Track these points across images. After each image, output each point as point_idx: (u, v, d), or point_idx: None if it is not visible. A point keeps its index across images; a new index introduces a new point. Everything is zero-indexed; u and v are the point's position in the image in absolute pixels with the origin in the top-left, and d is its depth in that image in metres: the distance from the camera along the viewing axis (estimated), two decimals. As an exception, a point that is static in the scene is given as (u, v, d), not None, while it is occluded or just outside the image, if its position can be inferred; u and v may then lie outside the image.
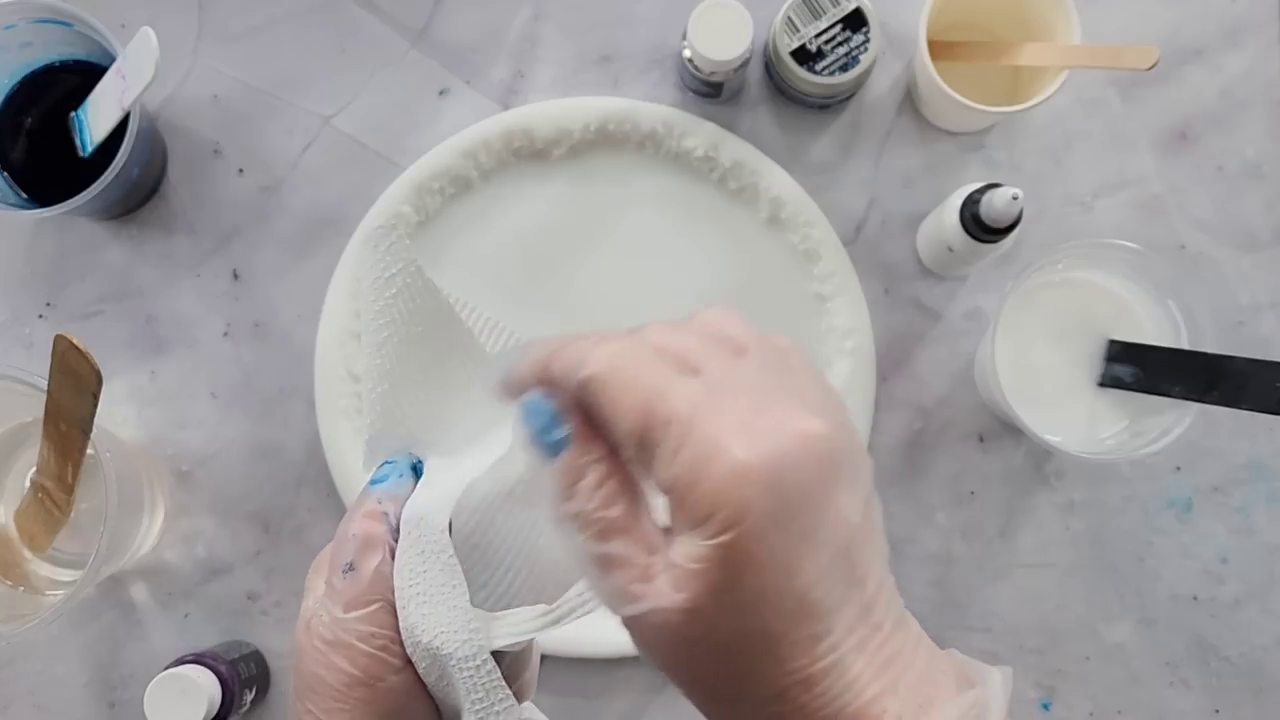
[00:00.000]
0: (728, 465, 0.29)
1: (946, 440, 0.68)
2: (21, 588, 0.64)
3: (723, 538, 0.29)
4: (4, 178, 0.65)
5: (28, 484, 0.64)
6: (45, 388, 0.53)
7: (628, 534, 0.31)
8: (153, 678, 0.59)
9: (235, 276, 0.69)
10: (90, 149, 0.62)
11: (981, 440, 0.68)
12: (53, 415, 0.55)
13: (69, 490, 0.60)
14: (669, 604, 0.30)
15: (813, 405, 0.31)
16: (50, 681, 0.68)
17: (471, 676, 0.36)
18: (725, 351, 0.33)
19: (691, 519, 0.30)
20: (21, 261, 0.68)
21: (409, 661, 0.37)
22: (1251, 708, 0.67)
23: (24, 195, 0.65)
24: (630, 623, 0.31)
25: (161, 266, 0.69)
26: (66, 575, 0.65)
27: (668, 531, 0.31)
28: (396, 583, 0.38)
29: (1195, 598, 0.67)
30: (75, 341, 0.51)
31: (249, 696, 0.64)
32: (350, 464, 0.66)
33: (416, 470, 0.40)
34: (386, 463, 0.40)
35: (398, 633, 0.37)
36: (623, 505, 0.32)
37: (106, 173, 0.59)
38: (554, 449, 0.32)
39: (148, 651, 0.68)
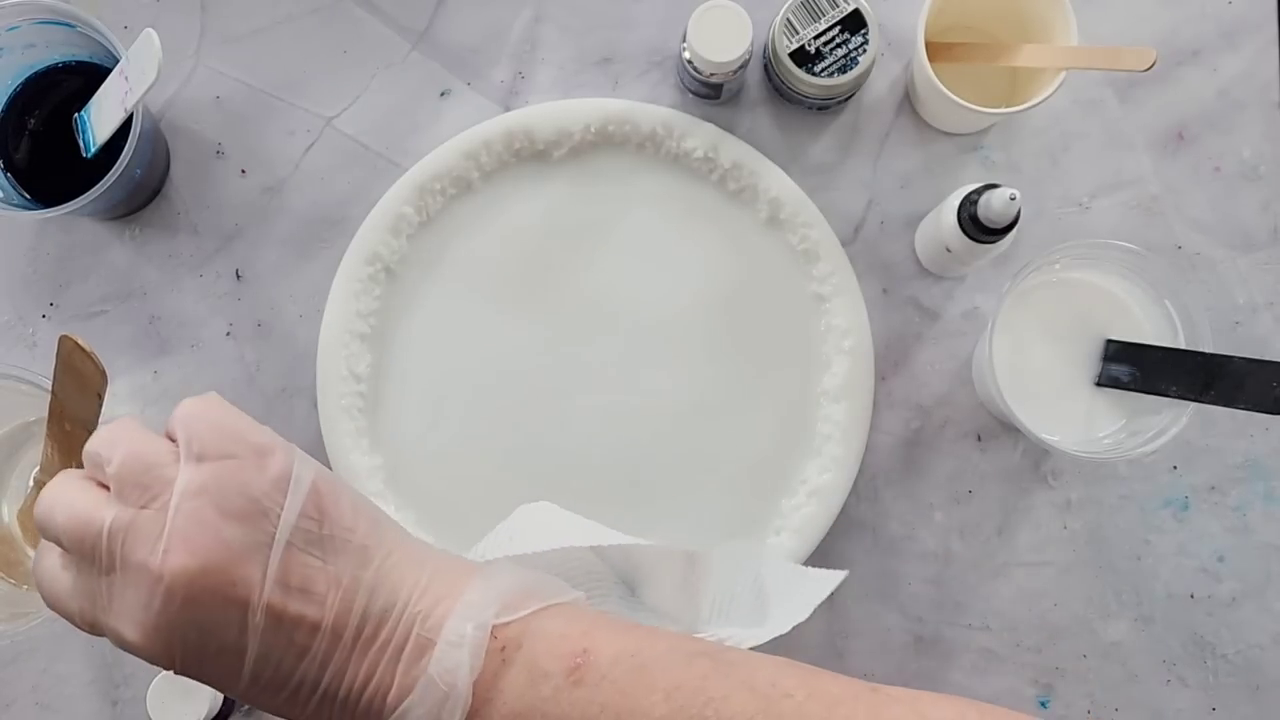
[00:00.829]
0: (127, 638, 0.39)
1: (944, 439, 0.68)
2: (25, 586, 0.64)
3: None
4: (7, 178, 0.65)
5: (31, 483, 0.64)
6: (49, 387, 0.53)
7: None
8: (155, 676, 0.60)
9: (238, 276, 0.69)
10: (93, 150, 0.62)
11: (979, 439, 0.68)
12: (57, 415, 0.55)
13: None
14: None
15: (140, 607, 0.39)
16: (53, 680, 0.68)
17: None
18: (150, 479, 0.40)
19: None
20: (25, 262, 0.69)
21: None
22: (1248, 706, 0.67)
23: (27, 196, 0.65)
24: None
25: (164, 267, 0.69)
26: None
27: None
28: None
29: (1192, 596, 0.67)
30: (80, 342, 0.51)
31: (251, 694, 0.64)
32: (353, 463, 0.67)
33: None
34: None
35: None
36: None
37: (110, 173, 0.60)
38: None
39: (150, 649, 0.68)
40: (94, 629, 0.40)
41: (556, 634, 0.39)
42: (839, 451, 0.66)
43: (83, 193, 0.60)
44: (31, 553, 0.64)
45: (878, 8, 0.64)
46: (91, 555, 0.39)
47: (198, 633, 0.37)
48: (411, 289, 0.68)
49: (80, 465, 0.56)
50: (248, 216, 0.69)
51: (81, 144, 0.63)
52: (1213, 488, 0.68)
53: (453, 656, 0.37)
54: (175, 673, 0.38)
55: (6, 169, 0.65)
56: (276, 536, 0.38)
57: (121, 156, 0.60)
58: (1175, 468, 0.68)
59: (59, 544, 0.40)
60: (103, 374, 0.50)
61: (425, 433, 0.68)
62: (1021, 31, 0.65)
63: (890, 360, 0.68)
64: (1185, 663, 0.67)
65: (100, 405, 0.52)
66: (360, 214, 0.68)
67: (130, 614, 0.38)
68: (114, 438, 0.40)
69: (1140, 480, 0.68)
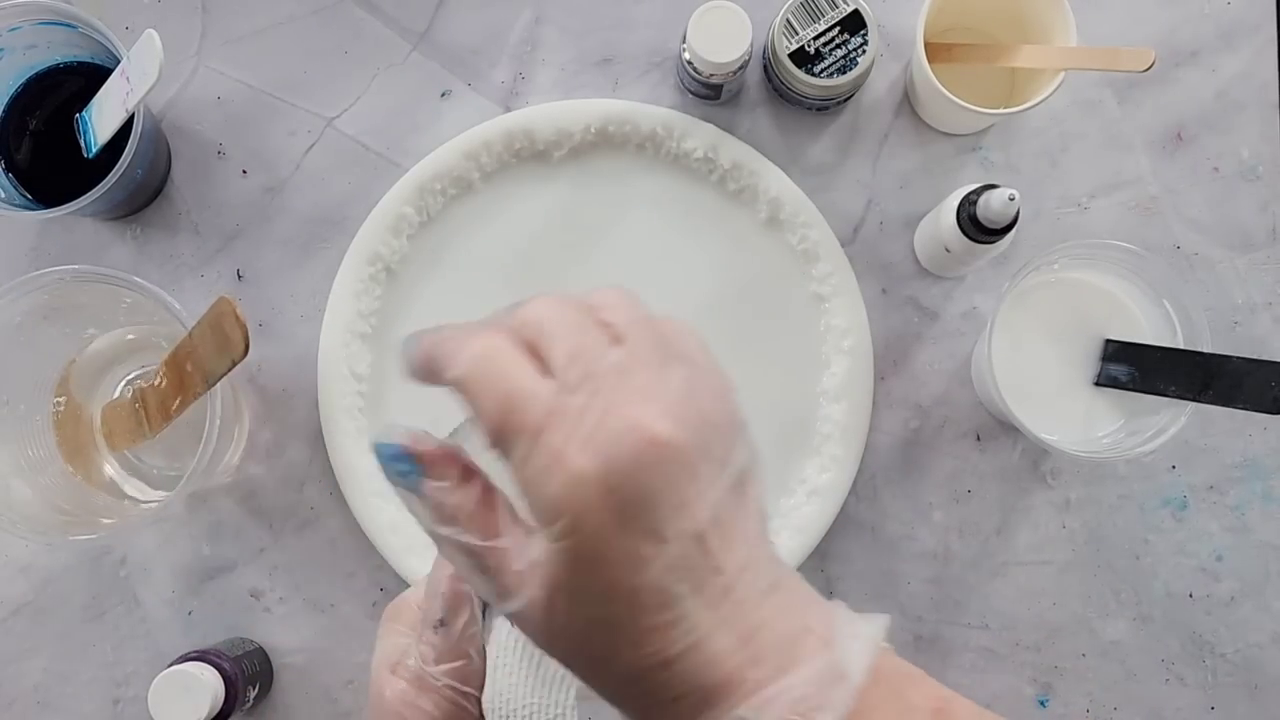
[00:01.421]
0: (567, 474, 0.31)
1: (944, 439, 0.68)
2: (79, 475, 0.65)
3: (564, 541, 0.31)
4: (9, 179, 0.65)
5: (125, 387, 0.67)
6: (148, 295, 0.57)
7: (492, 546, 0.33)
8: (156, 675, 0.60)
9: (239, 277, 0.69)
10: (95, 150, 0.63)
11: (978, 439, 0.68)
12: (183, 355, 0.58)
13: (166, 418, 0.61)
14: (526, 600, 0.33)
15: (670, 402, 0.32)
16: (54, 679, 0.68)
17: None
18: (597, 343, 0.33)
19: (540, 522, 0.32)
20: (27, 262, 0.69)
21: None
22: (1247, 705, 0.67)
23: (29, 196, 0.65)
24: (512, 619, 0.34)
25: (166, 267, 0.69)
26: (131, 484, 0.67)
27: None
28: (492, 647, 0.41)
29: (1191, 595, 0.68)
30: (237, 311, 0.53)
31: (252, 693, 0.64)
32: (354, 463, 0.67)
33: None
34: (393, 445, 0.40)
35: (480, 689, 0.41)
36: (484, 520, 0.34)
37: (111, 174, 0.60)
38: (409, 483, 0.34)
39: (151, 649, 0.68)
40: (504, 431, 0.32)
41: (918, 674, 0.35)
42: (838, 451, 0.66)
43: (84, 193, 0.60)
44: (100, 446, 0.66)
45: (877, 8, 0.64)
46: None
47: (644, 496, 0.31)
48: (412, 289, 0.68)
49: (184, 405, 0.58)
50: (249, 217, 0.69)
51: (83, 144, 0.63)
52: (1211, 487, 0.68)
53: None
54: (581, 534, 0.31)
55: (8, 169, 0.65)
56: (727, 470, 0.33)
57: (123, 157, 0.60)
58: (1174, 467, 0.68)
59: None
60: (246, 346, 0.53)
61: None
62: (1020, 32, 0.65)
63: (889, 360, 0.68)
64: (1184, 662, 0.67)
65: (230, 369, 0.54)
66: (361, 214, 0.68)
67: (593, 442, 0.31)
68: (559, 317, 0.33)
69: (1139, 480, 0.68)
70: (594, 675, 0.34)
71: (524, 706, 0.39)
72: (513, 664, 0.40)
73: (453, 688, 0.41)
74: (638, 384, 0.32)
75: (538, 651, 0.37)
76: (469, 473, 0.35)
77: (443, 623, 0.41)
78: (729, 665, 0.32)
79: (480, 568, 0.34)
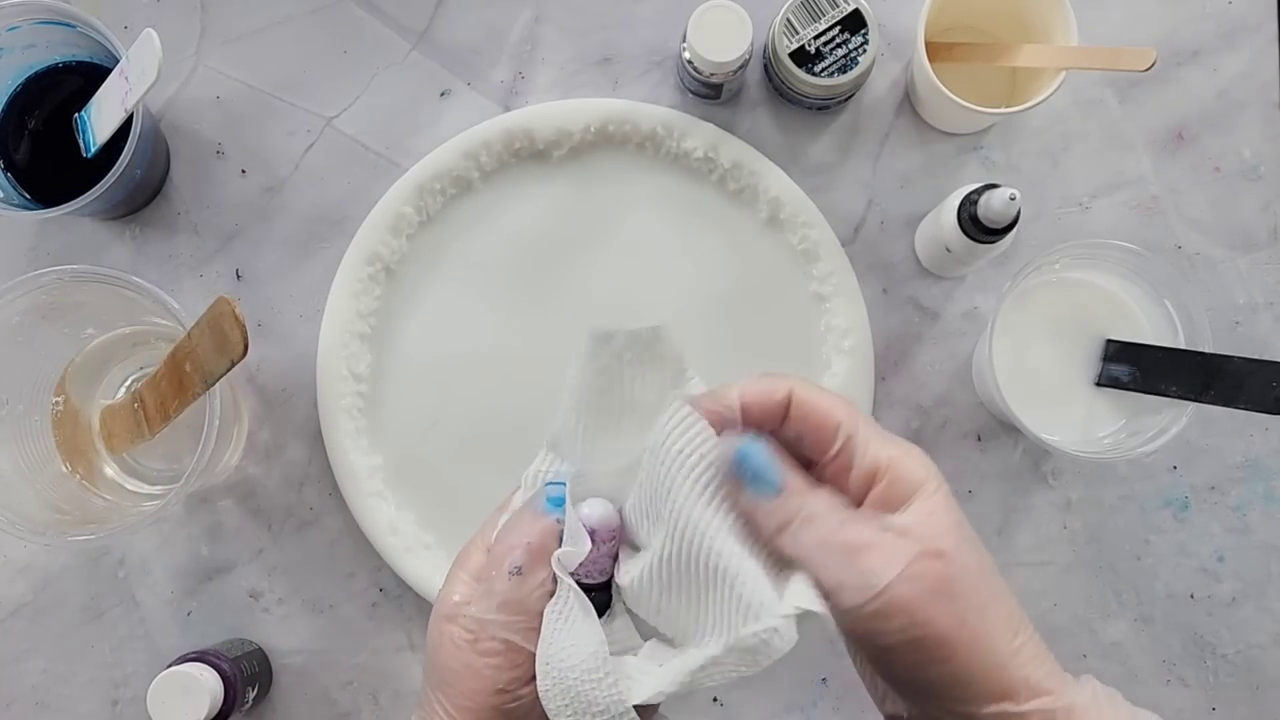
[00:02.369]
0: (910, 449, 0.38)
1: (944, 439, 0.68)
2: (78, 475, 0.65)
3: (943, 488, 0.37)
4: (8, 178, 0.65)
5: (125, 390, 0.67)
6: (143, 292, 0.57)
7: (860, 521, 0.37)
8: (155, 676, 0.60)
9: (238, 276, 0.69)
10: (94, 150, 0.62)
11: (979, 439, 0.68)
12: (182, 355, 0.57)
13: (165, 418, 0.61)
14: (926, 548, 0.36)
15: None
16: (53, 679, 0.68)
17: None
18: None
19: (909, 483, 0.37)
20: (25, 262, 0.69)
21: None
22: (1248, 705, 0.67)
23: (28, 196, 0.65)
24: (878, 602, 0.36)
25: (165, 267, 0.69)
26: (131, 484, 0.67)
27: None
28: (550, 614, 0.40)
29: (1192, 596, 0.67)
30: (236, 311, 0.53)
31: (251, 694, 0.64)
32: (353, 463, 0.67)
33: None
34: (560, 483, 0.43)
35: (534, 651, 0.40)
36: (844, 504, 0.38)
37: (110, 173, 0.60)
38: (770, 488, 0.37)
39: (150, 649, 0.68)
40: None
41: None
42: (839, 451, 0.66)
43: (83, 193, 0.60)
44: (100, 448, 0.66)
45: (877, 8, 0.64)
46: None
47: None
48: (411, 289, 0.68)
49: (182, 406, 0.58)
50: (248, 216, 0.69)
51: (82, 144, 0.63)
52: (1213, 488, 0.68)
53: None
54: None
55: (7, 169, 0.65)
56: None
57: (122, 156, 0.60)
58: (1175, 468, 0.68)
59: None
60: (245, 346, 0.53)
61: (425, 433, 0.68)
62: (1021, 31, 0.65)
63: (890, 360, 0.68)
64: (1185, 662, 0.67)
65: (229, 369, 0.54)
66: (360, 214, 0.68)
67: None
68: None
69: (1140, 480, 0.68)
70: (953, 659, 0.36)
71: (587, 672, 0.38)
72: (577, 629, 0.39)
73: (507, 641, 0.39)
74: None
75: (596, 623, 0.39)
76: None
77: (519, 571, 0.40)
78: (1042, 667, 0.38)
79: (853, 548, 0.36)
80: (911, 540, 0.36)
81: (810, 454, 0.39)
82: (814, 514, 0.37)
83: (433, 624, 0.42)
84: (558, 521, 0.41)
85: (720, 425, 0.38)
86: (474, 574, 0.42)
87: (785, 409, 0.38)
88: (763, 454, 0.37)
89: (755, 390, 0.39)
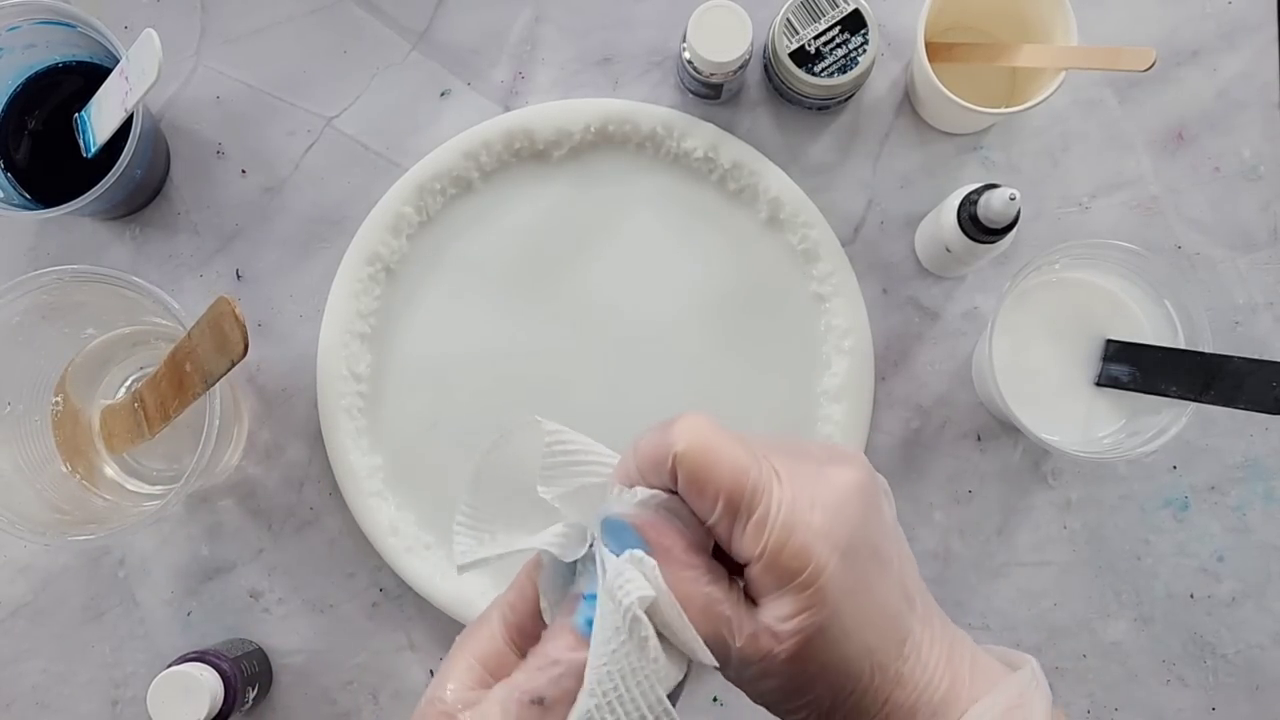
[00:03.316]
0: (809, 523, 0.34)
1: (944, 439, 0.68)
2: (78, 475, 0.65)
3: (818, 583, 0.34)
4: (8, 178, 0.65)
5: (125, 390, 0.67)
6: (145, 293, 0.57)
7: (734, 615, 0.35)
8: (155, 676, 0.60)
9: (238, 277, 0.69)
10: (94, 150, 0.62)
11: (979, 439, 0.68)
12: (182, 356, 0.57)
13: (165, 418, 0.61)
14: (782, 653, 0.34)
15: (835, 457, 0.36)
16: (53, 679, 0.68)
17: None
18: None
19: (785, 575, 0.34)
20: (25, 262, 0.69)
21: None
22: (1248, 705, 0.67)
23: (28, 196, 0.65)
24: (748, 684, 0.35)
25: (165, 267, 0.69)
26: (131, 484, 0.67)
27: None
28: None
29: (1192, 596, 0.67)
30: (236, 311, 0.53)
31: (251, 694, 0.64)
32: (353, 463, 0.67)
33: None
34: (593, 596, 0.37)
35: None
36: (720, 595, 0.35)
37: (110, 174, 0.60)
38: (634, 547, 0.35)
39: (150, 649, 0.68)
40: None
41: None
42: (839, 451, 0.66)
43: (83, 193, 0.60)
44: (100, 448, 0.66)
45: (877, 8, 0.64)
46: None
47: (867, 526, 0.35)
48: (411, 289, 0.68)
49: (182, 406, 0.58)
50: (248, 216, 0.69)
51: (82, 144, 0.63)
52: (1212, 487, 0.68)
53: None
54: None
55: (7, 169, 0.65)
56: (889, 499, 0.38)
57: (122, 156, 0.60)
58: (1175, 468, 0.68)
59: None
60: (245, 346, 0.53)
61: (425, 433, 0.68)
62: (1021, 31, 0.65)
63: (890, 360, 0.68)
64: (1185, 662, 0.67)
65: (229, 369, 0.54)
66: (360, 214, 0.68)
67: (817, 499, 0.35)
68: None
69: (1140, 480, 0.68)
70: (840, 715, 0.35)
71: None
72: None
73: None
74: (803, 453, 0.37)
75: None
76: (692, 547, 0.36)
77: (543, 701, 0.34)
78: (944, 684, 0.36)
79: (719, 625, 0.34)
80: (779, 642, 0.34)
81: (699, 516, 0.36)
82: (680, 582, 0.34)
83: (425, 711, 0.37)
84: (586, 625, 0.36)
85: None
86: (482, 661, 0.37)
87: (674, 473, 0.35)
88: (617, 523, 0.35)
89: (645, 452, 0.36)
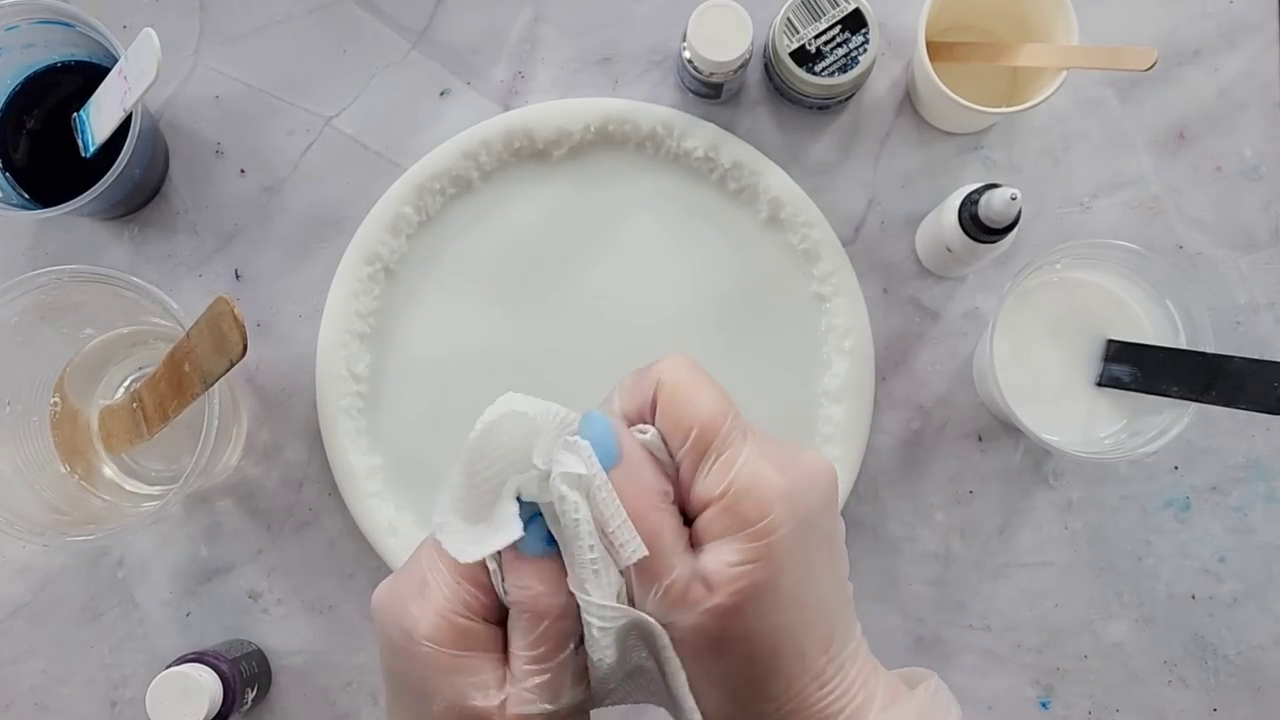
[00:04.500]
0: (774, 479, 0.34)
1: (945, 440, 0.68)
2: (77, 476, 0.65)
3: (770, 538, 0.33)
4: (6, 178, 0.65)
5: (124, 390, 0.67)
6: (143, 292, 0.57)
7: (672, 544, 0.34)
8: (154, 676, 0.60)
9: (237, 276, 0.69)
10: (92, 149, 0.62)
11: (980, 440, 0.68)
12: (181, 356, 0.57)
13: (164, 419, 0.61)
14: (713, 604, 0.33)
15: (805, 451, 0.36)
16: (52, 680, 0.68)
17: None
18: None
19: (741, 522, 0.33)
20: (24, 262, 0.69)
21: None
22: (1249, 706, 0.67)
23: (26, 196, 0.65)
24: (669, 626, 0.34)
25: (163, 267, 0.69)
26: (130, 484, 0.67)
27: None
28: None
29: (1193, 597, 0.67)
30: (235, 311, 0.53)
31: (250, 695, 0.64)
32: (352, 463, 0.66)
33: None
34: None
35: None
36: (669, 520, 0.34)
37: (109, 173, 0.60)
38: (610, 457, 0.34)
39: (149, 650, 0.68)
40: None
41: None
42: (839, 452, 0.66)
43: (82, 193, 0.60)
44: (99, 449, 0.66)
45: (878, 7, 0.63)
46: None
47: (823, 507, 0.36)
48: (411, 289, 0.68)
49: (181, 406, 0.58)
50: (247, 216, 0.69)
51: (80, 144, 0.63)
52: (1214, 488, 0.67)
53: None
54: None
55: (5, 169, 0.65)
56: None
57: (120, 156, 0.60)
58: (1176, 468, 0.68)
59: None
60: (244, 346, 0.53)
61: (425, 433, 0.68)
62: (1022, 31, 0.65)
63: (891, 360, 0.68)
64: (1186, 663, 0.67)
65: (228, 369, 0.54)
66: (359, 214, 0.68)
67: (784, 463, 0.35)
68: None
69: (1141, 480, 0.68)
70: (750, 692, 0.34)
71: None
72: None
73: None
74: (774, 440, 0.36)
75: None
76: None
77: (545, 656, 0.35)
78: (859, 697, 0.35)
79: (652, 570, 0.34)
80: (711, 592, 0.33)
81: (671, 454, 0.36)
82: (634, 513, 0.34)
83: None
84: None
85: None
86: (472, 648, 0.36)
87: (655, 402, 0.35)
88: (600, 423, 0.35)
89: (629, 384, 0.37)
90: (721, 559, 0.33)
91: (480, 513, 0.36)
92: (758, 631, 0.33)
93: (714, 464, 0.34)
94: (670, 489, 0.35)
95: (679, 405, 0.35)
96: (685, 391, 0.35)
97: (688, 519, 0.35)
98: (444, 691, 0.35)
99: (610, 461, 0.34)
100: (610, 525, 0.34)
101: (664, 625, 0.34)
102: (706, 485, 0.34)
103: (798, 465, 0.35)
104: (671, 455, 0.35)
